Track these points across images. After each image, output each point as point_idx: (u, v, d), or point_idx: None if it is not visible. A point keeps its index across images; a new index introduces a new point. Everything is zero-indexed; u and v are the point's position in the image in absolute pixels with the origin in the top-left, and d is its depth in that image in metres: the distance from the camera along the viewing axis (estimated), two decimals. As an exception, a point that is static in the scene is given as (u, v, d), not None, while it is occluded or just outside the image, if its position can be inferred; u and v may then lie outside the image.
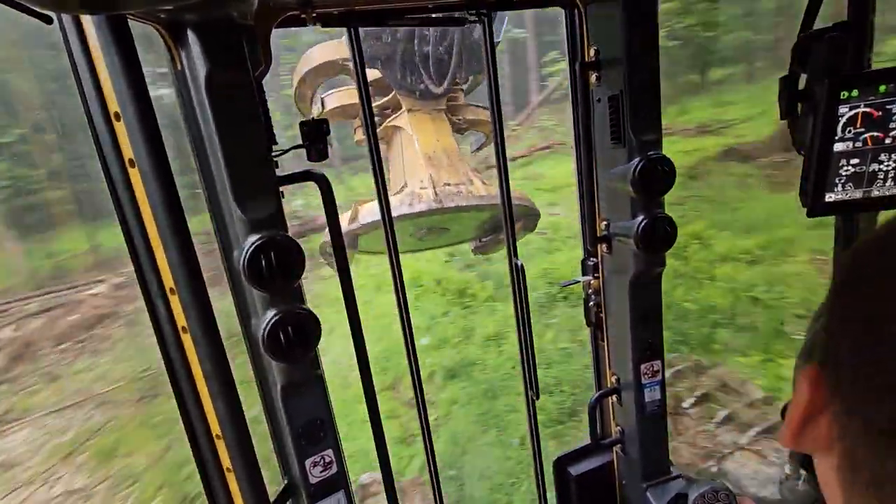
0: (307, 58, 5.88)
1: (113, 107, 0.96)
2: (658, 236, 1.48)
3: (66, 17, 0.91)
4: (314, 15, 1.25)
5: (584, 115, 1.57)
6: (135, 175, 1.01)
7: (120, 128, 0.98)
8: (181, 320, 1.11)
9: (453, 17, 1.53)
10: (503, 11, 1.62)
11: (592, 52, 1.49)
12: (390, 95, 5.98)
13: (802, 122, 1.22)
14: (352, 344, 1.41)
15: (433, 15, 1.45)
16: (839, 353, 0.45)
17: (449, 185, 5.43)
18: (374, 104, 5.66)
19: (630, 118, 1.42)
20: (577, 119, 1.60)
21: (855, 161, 1.18)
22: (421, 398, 1.83)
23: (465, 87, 5.74)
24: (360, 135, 6.41)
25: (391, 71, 5.41)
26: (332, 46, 5.59)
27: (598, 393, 1.87)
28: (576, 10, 1.51)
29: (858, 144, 1.16)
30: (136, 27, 0.97)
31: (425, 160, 5.61)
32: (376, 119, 5.57)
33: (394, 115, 6.04)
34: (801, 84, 1.21)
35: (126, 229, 1.05)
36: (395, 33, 5.19)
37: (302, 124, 1.26)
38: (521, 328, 1.86)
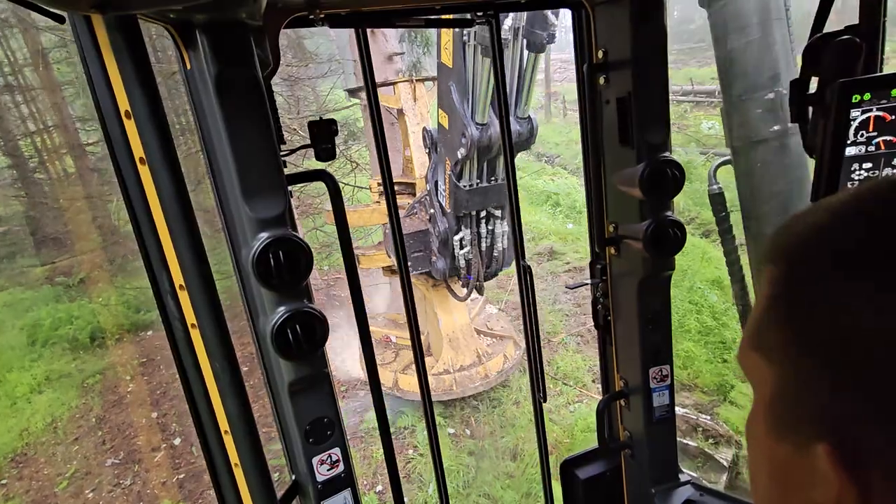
0: None
1: (123, 105, 0.98)
2: (667, 239, 1.47)
3: (77, 17, 0.93)
4: (322, 16, 1.26)
5: (593, 117, 1.57)
6: (145, 173, 1.02)
7: (130, 126, 0.99)
8: (190, 317, 1.12)
9: (461, 18, 1.53)
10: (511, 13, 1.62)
11: (601, 54, 1.49)
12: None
13: (813, 126, 1.20)
14: None
15: (441, 17, 1.45)
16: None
17: (464, 368, 6.80)
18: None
19: (638, 120, 1.41)
20: (586, 121, 1.59)
21: (868, 165, 1.16)
22: (431, 418, 1.83)
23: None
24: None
25: (416, 261, 5.91)
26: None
27: (605, 396, 1.86)
28: (584, 12, 1.50)
29: (871, 149, 1.14)
30: (146, 27, 0.99)
31: (447, 343, 6.89)
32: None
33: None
34: (812, 87, 1.20)
35: (137, 226, 1.06)
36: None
37: (311, 124, 1.27)
38: (529, 329, 1.85)
